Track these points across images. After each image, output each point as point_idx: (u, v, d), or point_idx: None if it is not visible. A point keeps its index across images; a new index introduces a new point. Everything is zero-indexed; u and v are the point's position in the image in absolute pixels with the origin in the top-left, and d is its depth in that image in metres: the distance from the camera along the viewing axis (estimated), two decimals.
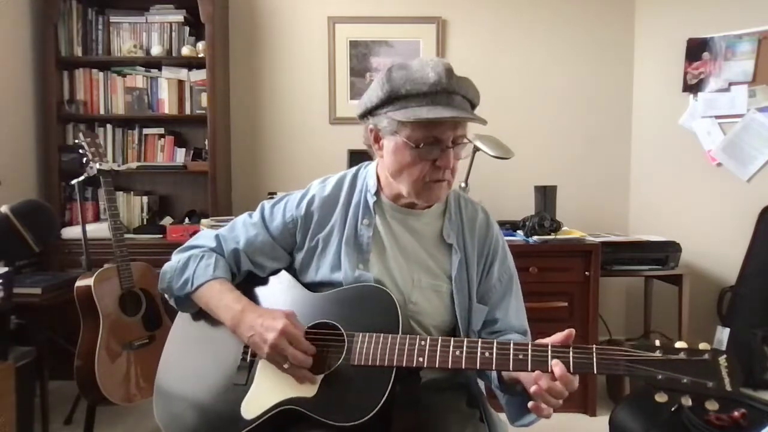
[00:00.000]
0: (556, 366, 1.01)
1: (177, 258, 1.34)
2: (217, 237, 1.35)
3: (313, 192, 1.35)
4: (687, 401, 0.95)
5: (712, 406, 0.93)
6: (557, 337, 1.06)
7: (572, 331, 1.05)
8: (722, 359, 0.95)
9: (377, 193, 1.30)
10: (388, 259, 1.27)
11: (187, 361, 1.30)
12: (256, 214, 1.36)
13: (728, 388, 0.93)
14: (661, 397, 0.96)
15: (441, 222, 1.31)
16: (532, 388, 1.03)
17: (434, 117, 1.12)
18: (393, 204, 1.30)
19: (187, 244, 1.38)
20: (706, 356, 0.96)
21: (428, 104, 1.13)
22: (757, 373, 2.46)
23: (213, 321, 1.29)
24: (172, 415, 1.24)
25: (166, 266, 1.34)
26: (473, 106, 1.22)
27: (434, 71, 1.14)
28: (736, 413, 1.61)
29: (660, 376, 0.96)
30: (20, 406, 1.93)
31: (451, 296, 1.26)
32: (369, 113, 1.23)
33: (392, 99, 1.16)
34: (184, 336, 1.35)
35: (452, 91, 1.14)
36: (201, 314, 1.32)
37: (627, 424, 1.76)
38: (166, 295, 1.35)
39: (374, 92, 1.20)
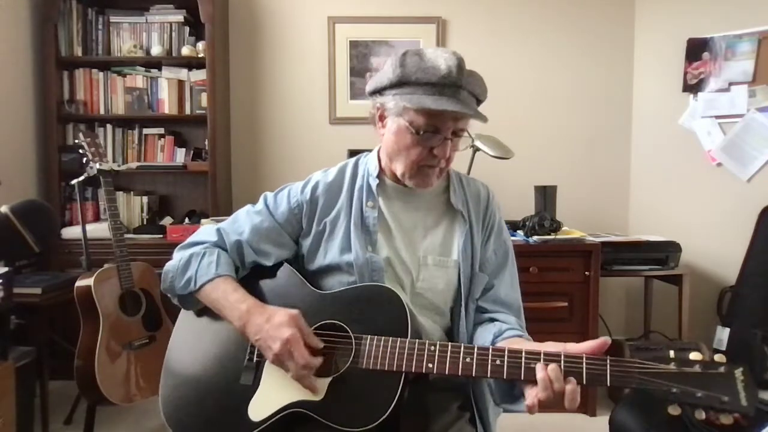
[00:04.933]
0: (569, 384, 1.00)
1: (178, 256, 1.32)
2: (218, 231, 1.34)
3: (317, 179, 1.37)
4: (700, 415, 0.92)
5: (726, 420, 0.91)
6: (585, 346, 1.03)
7: (607, 340, 1.03)
8: (738, 372, 0.92)
9: (379, 176, 1.33)
10: (394, 240, 1.29)
11: (193, 360, 1.29)
12: (260, 203, 1.37)
13: (743, 403, 0.90)
14: (674, 410, 0.94)
15: (446, 195, 1.35)
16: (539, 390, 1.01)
17: (437, 108, 1.14)
18: (395, 185, 1.32)
19: (188, 240, 1.36)
20: (722, 369, 0.93)
21: (435, 94, 1.16)
22: (757, 373, 2.46)
23: (217, 318, 1.28)
24: (179, 414, 1.23)
25: (168, 266, 1.32)
26: (479, 102, 1.25)
27: (446, 63, 1.16)
28: (736, 413, 1.61)
29: (674, 389, 0.93)
30: (20, 406, 1.93)
31: (458, 270, 1.29)
32: (378, 92, 1.26)
33: (402, 83, 1.19)
34: (189, 333, 1.33)
35: (460, 86, 1.16)
36: (205, 311, 1.31)
37: (627, 424, 1.76)
38: (169, 295, 1.34)
39: (386, 74, 1.22)
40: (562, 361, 1.01)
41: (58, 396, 2.67)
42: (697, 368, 0.94)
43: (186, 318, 1.36)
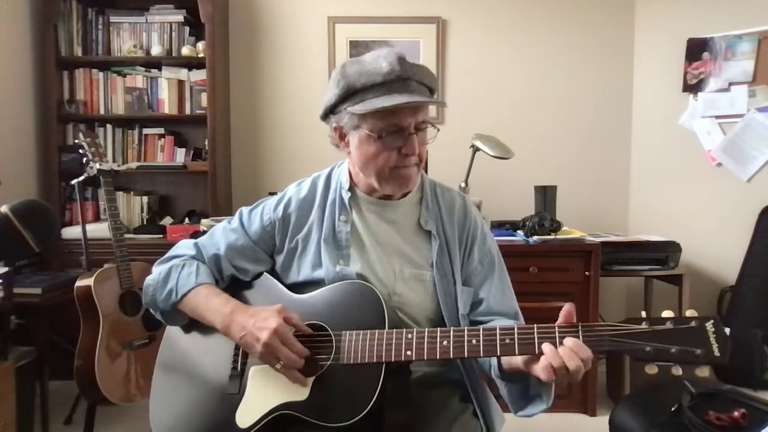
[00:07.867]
0: (546, 347, 1.01)
1: (158, 270, 1.33)
2: (196, 245, 1.35)
3: (290, 195, 1.36)
4: (677, 371, 0.94)
5: (702, 372, 0.93)
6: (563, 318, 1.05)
7: (572, 307, 1.05)
8: (709, 324, 0.94)
9: (351, 189, 1.31)
10: (368, 253, 1.28)
11: (180, 373, 1.30)
12: (235, 220, 1.37)
13: (716, 353, 0.92)
14: (651, 369, 0.96)
15: (418, 210, 1.31)
16: (542, 362, 1.00)
17: (391, 105, 1.13)
18: (368, 197, 1.31)
19: (166, 255, 1.37)
20: (693, 323, 0.95)
21: (384, 93, 1.15)
22: (757, 373, 2.46)
23: (203, 330, 1.29)
24: (168, 427, 1.25)
25: (148, 280, 1.33)
26: (432, 91, 1.24)
27: (386, 61, 1.16)
28: (736, 413, 1.61)
29: (648, 348, 0.95)
30: (20, 406, 1.93)
31: (434, 283, 1.27)
32: (330, 112, 1.25)
33: (349, 94, 1.18)
34: (175, 347, 1.34)
35: (407, 78, 1.15)
36: (190, 325, 1.32)
37: (627, 423, 1.75)
38: (151, 310, 1.34)
39: (332, 91, 1.21)
40: (536, 333, 1.03)
41: (58, 396, 2.67)
42: (668, 325, 0.96)
43: (171, 334, 1.37)
